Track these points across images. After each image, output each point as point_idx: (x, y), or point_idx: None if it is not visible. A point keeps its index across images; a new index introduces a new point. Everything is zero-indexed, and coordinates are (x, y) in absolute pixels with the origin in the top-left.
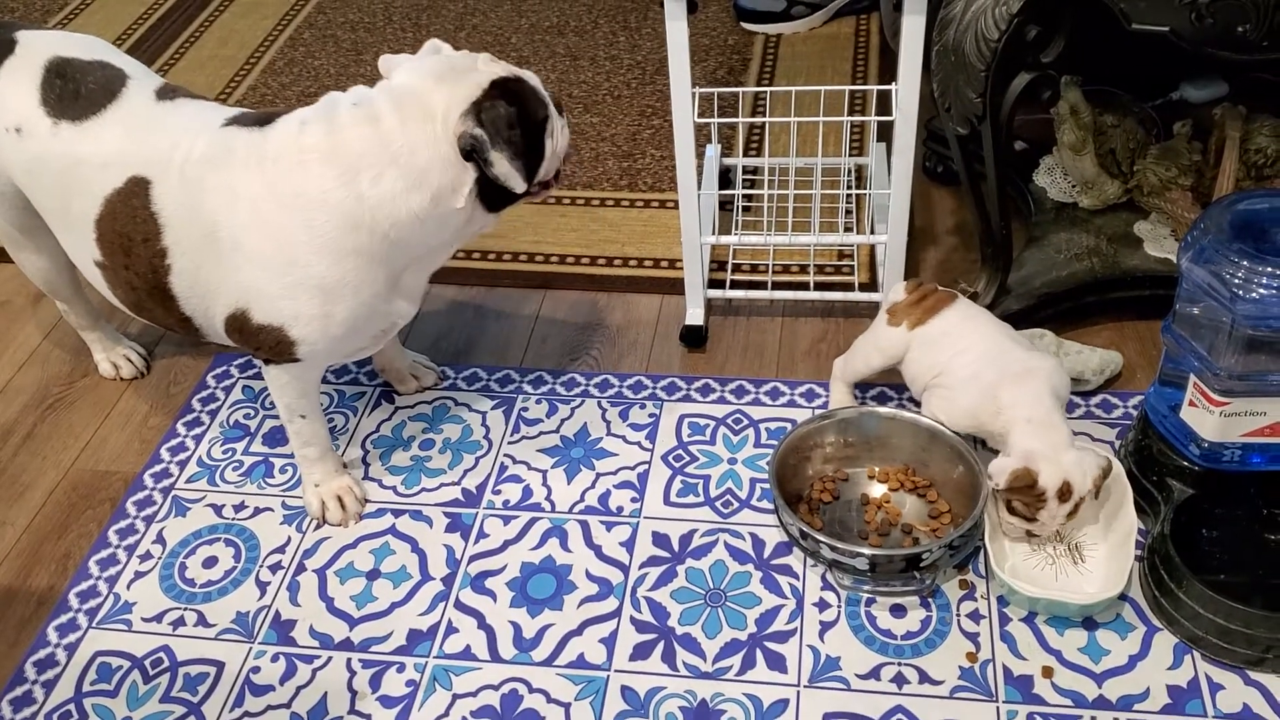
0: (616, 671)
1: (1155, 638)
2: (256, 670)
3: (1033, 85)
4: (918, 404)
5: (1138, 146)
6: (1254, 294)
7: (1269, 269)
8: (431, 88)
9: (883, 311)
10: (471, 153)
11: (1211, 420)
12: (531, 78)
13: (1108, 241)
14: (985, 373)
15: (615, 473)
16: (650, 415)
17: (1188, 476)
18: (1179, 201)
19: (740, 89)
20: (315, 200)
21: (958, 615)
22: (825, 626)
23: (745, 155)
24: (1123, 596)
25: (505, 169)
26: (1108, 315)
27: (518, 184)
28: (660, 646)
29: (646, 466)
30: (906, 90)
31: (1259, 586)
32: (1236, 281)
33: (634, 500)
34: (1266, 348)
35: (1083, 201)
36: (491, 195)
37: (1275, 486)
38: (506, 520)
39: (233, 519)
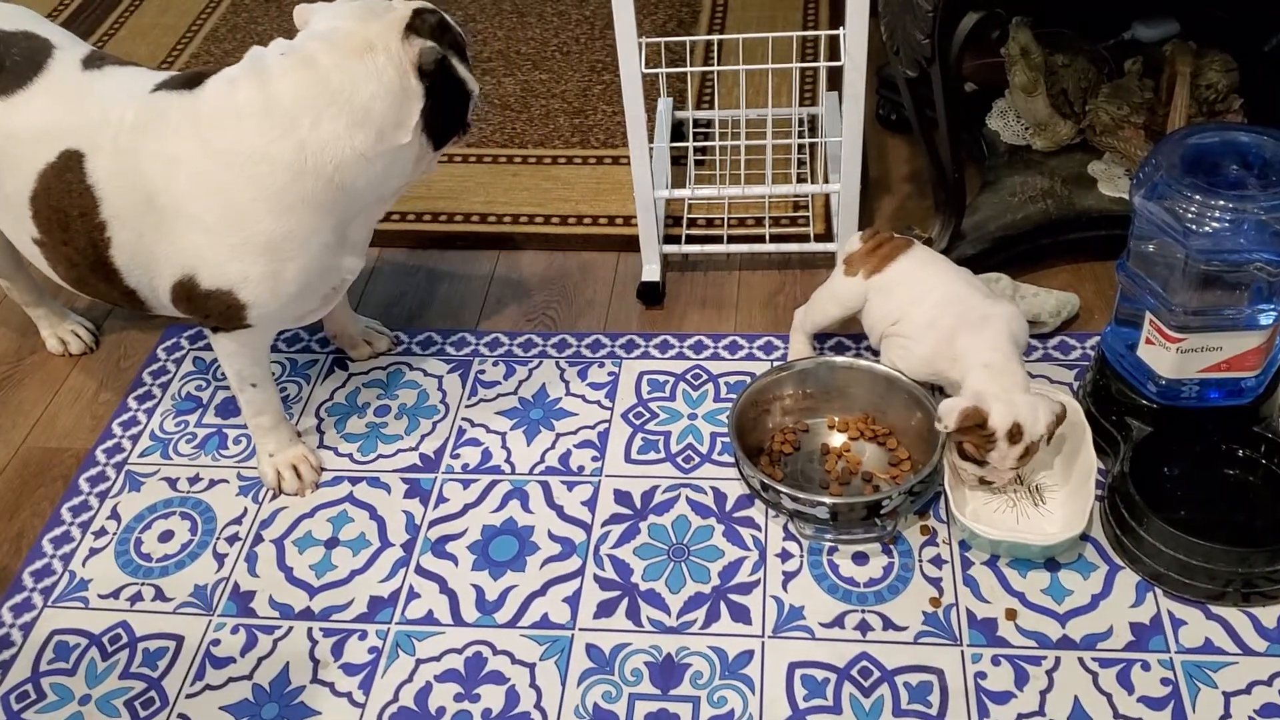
0: (581, 630)
1: (1117, 576)
2: (216, 643)
3: (981, 26)
4: (876, 353)
5: (1089, 86)
6: (1207, 228)
7: (1221, 202)
8: (360, 24)
9: (839, 262)
10: (434, 68)
11: (1168, 357)
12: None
13: (1062, 183)
14: (942, 319)
15: (575, 432)
16: (609, 374)
17: (1146, 415)
18: (1132, 140)
19: (688, 38)
20: (256, 154)
21: (920, 561)
22: (788, 577)
23: (699, 108)
24: (1084, 536)
25: (464, 71)
26: (1064, 257)
27: (474, 83)
28: (624, 603)
29: (607, 425)
30: (854, 35)
31: (1219, 521)
32: (1189, 216)
33: (595, 459)
34: (1220, 282)
35: (1036, 144)
36: (436, 127)
37: (1232, 421)
38: (466, 484)
39: (188, 492)
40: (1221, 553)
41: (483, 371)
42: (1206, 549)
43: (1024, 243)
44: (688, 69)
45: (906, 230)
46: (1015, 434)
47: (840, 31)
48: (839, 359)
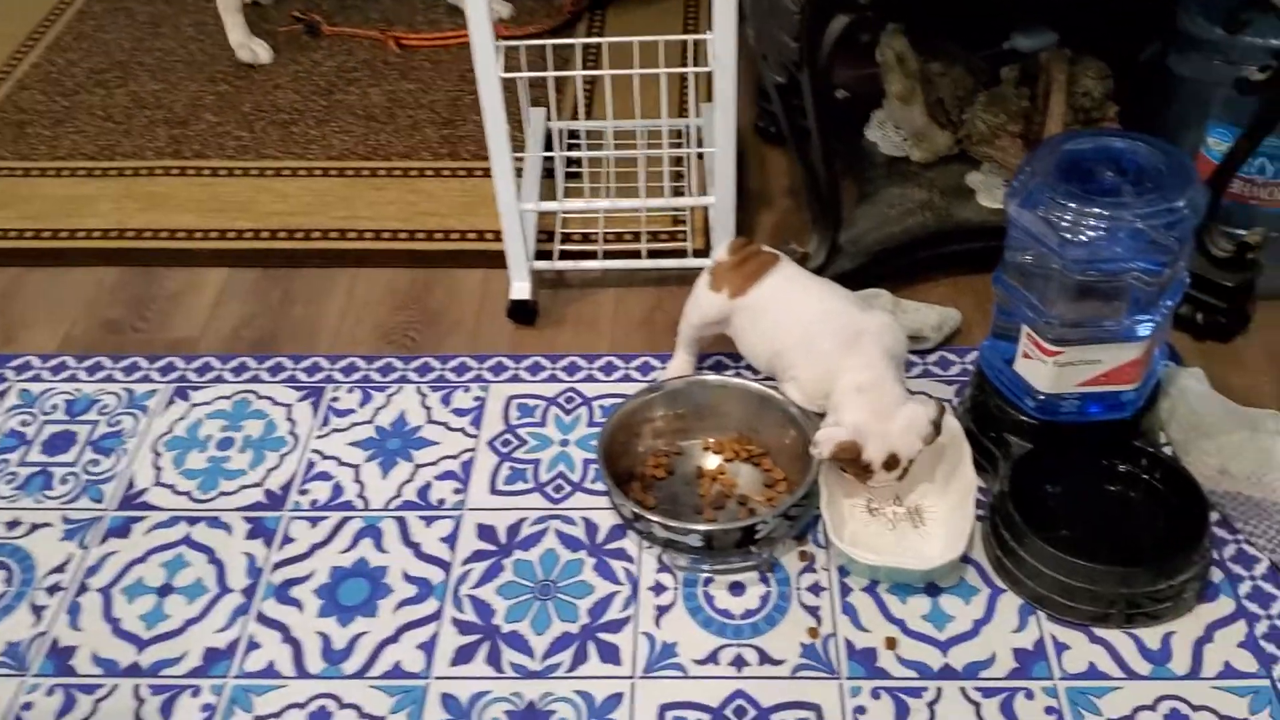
0: (437, 678)
1: (1000, 600)
2: (29, 707)
3: (851, 30)
4: (758, 373)
5: (966, 94)
6: (1082, 236)
7: (1096, 210)
8: None
9: (705, 272)
10: None
11: (1046, 371)
12: None
13: (940, 194)
14: (819, 341)
15: (436, 463)
16: (475, 399)
17: (1026, 431)
18: (1009, 149)
19: (549, 40)
20: None
21: (798, 589)
22: (661, 611)
23: (581, 119)
24: (965, 559)
25: None
26: (943, 270)
27: None
28: (484, 648)
29: (471, 454)
30: (722, 39)
31: (1101, 539)
32: (1064, 225)
33: (457, 491)
34: (1097, 293)
35: (914, 154)
36: None
37: (1114, 436)
38: (314, 522)
39: (4, 538)
40: (1104, 573)
41: (336, 399)
42: (1088, 569)
43: (903, 256)
44: (548, 74)
45: (784, 245)
46: (891, 463)
47: (708, 36)
48: (711, 377)
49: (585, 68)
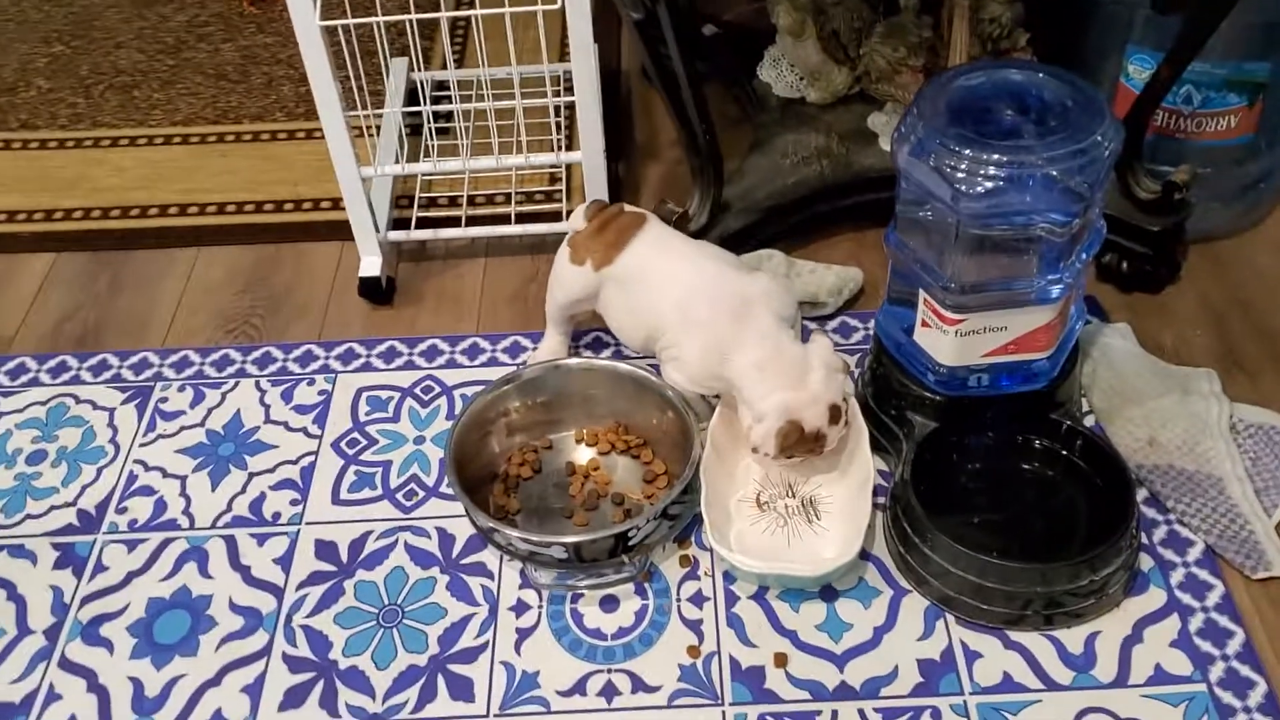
0: None
1: (903, 602)
2: None
3: None
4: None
5: (863, 26)
6: (979, 187)
7: (995, 156)
8: None
9: (564, 244)
10: None
11: (948, 341)
12: None
13: (839, 140)
14: (698, 313)
15: (273, 470)
16: (320, 393)
17: (930, 408)
18: (910, 85)
19: None
20: None
21: (678, 600)
22: (523, 635)
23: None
24: (865, 555)
25: None
26: (844, 225)
27: None
28: (319, 687)
29: (313, 458)
30: None
31: (1016, 529)
32: (959, 175)
33: (295, 503)
34: (1001, 250)
35: (810, 95)
36: None
37: (1028, 409)
38: (132, 545)
39: None
40: (1019, 570)
41: (165, 399)
42: (1001, 568)
43: (798, 211)
44: (376, 19)
45: (659, 204)
46: (836, 415)
47: None
48: (574, 361)
49: (458, 22)
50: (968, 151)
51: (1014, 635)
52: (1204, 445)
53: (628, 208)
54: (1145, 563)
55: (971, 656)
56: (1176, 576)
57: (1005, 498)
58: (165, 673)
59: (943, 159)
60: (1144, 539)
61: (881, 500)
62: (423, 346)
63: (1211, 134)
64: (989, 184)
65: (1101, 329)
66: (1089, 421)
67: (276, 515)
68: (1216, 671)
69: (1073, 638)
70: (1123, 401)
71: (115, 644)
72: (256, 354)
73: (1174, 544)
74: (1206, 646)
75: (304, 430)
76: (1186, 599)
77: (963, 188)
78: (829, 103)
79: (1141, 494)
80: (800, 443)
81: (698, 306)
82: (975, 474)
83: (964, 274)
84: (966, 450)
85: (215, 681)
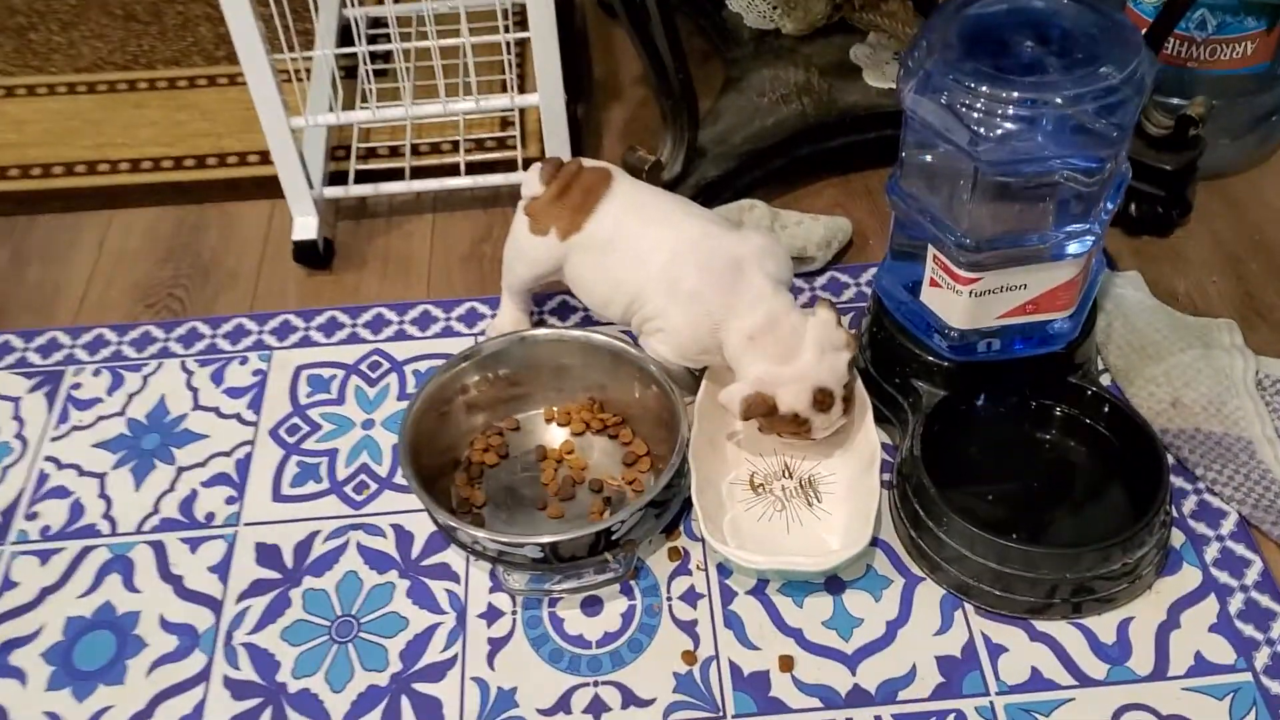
0: None
1: (917, 591)
2: None
3: None
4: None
5: None
6: (999, 129)
7: (1015, 94)
8: None
9: (519, 212)
10: None
11: (960, 303)
12: None
13: (820, 75)
14: (684, 279)
15: (204, 463)
16: (254, 372)
17: (938, 375)
18: (898, 13)
19: None
20: None
21: (669, 599)
22: (496, 646)
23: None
24: (874, 540)
25: None
26: (829, 169)
27: None
28: (266, 715)
29: (249, 448)
30: None
31: (1036, 503)
32: (976, 115)
33: (230, 501)
34: (1021, 197)
35: (785, 26)
36: None
37: (1044, 373)
38: (45, 557)
39: None
40: (1044, 555)
41: (78, 386)
42: (1024, 553)
43: (778, 155)
44: None
45: (631, 153)
46: (824, 401)
47: None
48: (540, 331)
49: None
50: (984, 88)
51: (1040, 625)
52: (1231, 405)
53: (587, 162)
54: (1177, 538)
55: (995, 651)
56: (1211, 552)
57: (1024, 470)
58: (88, 705)
59: (957, 96)
60: (1174, 512)
61: (886, 477)
62: (367, 316)
63: (1225, 62)
64: (1010, 125)
65: (1113, 278)
66: (1105, 381)
67: (210, 516)
68: (1262, 658)
69: (1104, 626)
70: (1141, 359)
71: (28, 674)
72: (181, 330)
73: (1206, 516)
74: (1249, 630)
75: (238, 416)
76: (1224, 577)
77: (982, 130)
78: (806, 34)
79: (1168, 462)
80: (774, 422)
81: (685, 274)
82: (989, 446)
83: (980, 228)
84: (979, 420)
85: (147, 713)
